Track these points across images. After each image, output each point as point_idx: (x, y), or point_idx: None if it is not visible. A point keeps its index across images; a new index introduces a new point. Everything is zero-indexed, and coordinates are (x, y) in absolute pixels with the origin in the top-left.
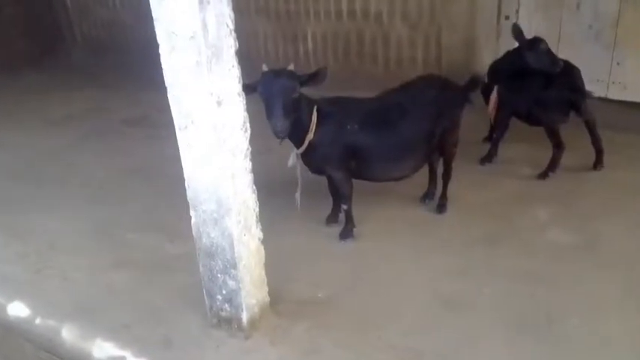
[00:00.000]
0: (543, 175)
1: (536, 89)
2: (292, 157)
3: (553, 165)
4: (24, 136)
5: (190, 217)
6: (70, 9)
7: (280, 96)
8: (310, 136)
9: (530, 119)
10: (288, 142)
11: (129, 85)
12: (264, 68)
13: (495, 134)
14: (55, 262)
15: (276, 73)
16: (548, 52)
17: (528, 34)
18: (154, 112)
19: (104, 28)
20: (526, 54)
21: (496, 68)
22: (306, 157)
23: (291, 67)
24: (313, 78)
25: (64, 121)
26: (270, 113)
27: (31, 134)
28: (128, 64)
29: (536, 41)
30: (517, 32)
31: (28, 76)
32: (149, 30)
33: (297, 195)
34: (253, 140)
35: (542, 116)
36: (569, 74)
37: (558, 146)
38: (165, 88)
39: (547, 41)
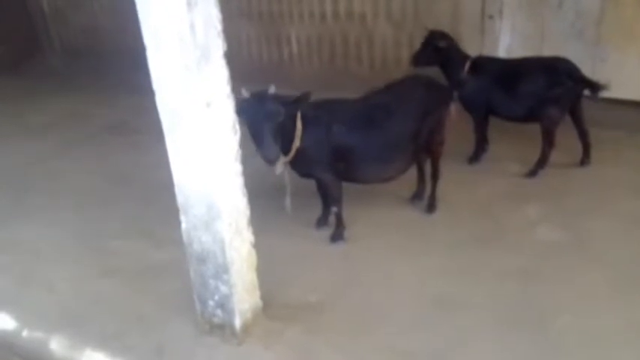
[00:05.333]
0: (533, 173)
1: (541, 89)
2: (280, 164)
3: (543, 162)
4: (4, 144)
5: (176, 223)
6: (48, 15)
7: (267, 123)
8: (297, 143)
9: (527, 120)
10: None
11: (108, 91)
12: (244, 93)
13: (477, 136)
14: (40, 272)
15: (260, 100)
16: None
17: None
18: (134, 118)
19: (82, 34)
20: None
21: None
22: (295, 163)
23: (272, 89)
24: (297, 101)
25: (44, 128)
26: (258, 141)
27: (11, 142)
28: (106, 70)
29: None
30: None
31: (5, 83)
32: (128, 36)
33: (287, 200)
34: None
35: (548, 115)
36: (566, 69)
37: (551, 144)
38: (144, 94)
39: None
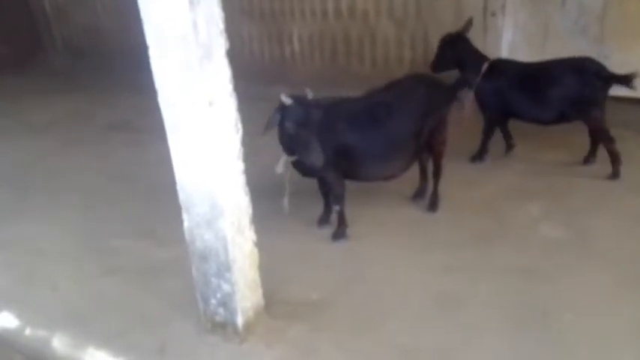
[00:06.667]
0: (615, 175)
1: (572, 92)
2: (281, 164)
3: (616, 159)
4: (7, 143)
5: (178, 222)
6: (50, 14)
7: (311, 129)
8: None
9: (556, 122)
10: (275, 144)
11: (110, 89)
12: (285, 99)
13: (485, 136)
14: (42, 271)
15: (306, 106)
16: None
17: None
18: (136, 117)
19: (85, 34)
20: None
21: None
22: (298, 162)
23: (310, 94)
24: (334, 105)
25: (47, 126)
26: (303, 147)
27: (13, 140)
28: (109, 69)
29: None
30: None
31: (8, 82)
32: (131, 35)
33: (285, 200)
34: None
35: (592, 117)
36: (595, 69)
37: (610, 140)
38: (147, 93)
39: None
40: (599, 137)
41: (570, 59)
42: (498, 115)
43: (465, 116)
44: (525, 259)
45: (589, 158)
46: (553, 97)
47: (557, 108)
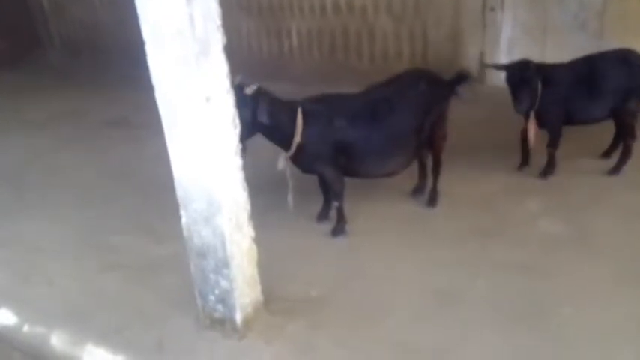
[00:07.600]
0: (616, 170)
1: (623, 84)
2: (281, 160)
3: (626, 156)
4: (4, 140)
5: (176, 218)
6: (47, 10)
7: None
8: (297, 139)
9: (604, 119)
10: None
11: (107, 85)
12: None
13: (552, 149)
14: (41, 268)
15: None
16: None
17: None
18: (134, 113)
19: (82, 29)
20: None
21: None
22: (296, 159)
23: (253, 86)
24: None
25: (44, 123)
26: None
27: (11, 137)
28: (106, 65)
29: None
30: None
31: (5, 78)
32: (128, 30)
33: (289, 197)
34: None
35: (629, 109)
36: (636, 59)
37: (634, 137)
38: (144, 89)
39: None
40: (625, 131)
41: (612, 52)
42: (562, 124)
43: (530, 140)
44: (524, 255)
45: (609, 152)
46: (606, 92)
47: (610, 102)
